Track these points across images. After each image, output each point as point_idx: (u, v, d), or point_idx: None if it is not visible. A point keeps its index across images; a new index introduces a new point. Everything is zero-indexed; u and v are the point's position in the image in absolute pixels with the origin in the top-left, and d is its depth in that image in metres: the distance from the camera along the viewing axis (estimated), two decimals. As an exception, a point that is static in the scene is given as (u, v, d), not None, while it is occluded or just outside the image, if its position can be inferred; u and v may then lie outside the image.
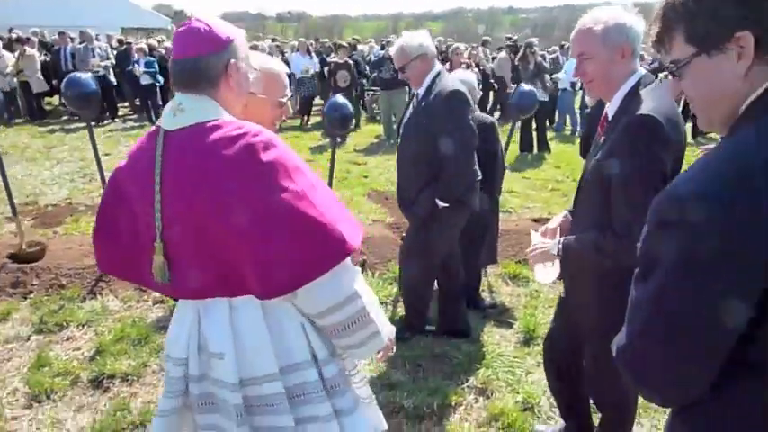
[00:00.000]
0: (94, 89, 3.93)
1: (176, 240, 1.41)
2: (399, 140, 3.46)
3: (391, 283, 4.42)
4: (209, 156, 1.34)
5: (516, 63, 9.85)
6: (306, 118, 11.99)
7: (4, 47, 12.00)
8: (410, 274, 3.61)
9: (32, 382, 3.15)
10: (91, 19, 20.09)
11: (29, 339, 3.65)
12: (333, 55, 11.72)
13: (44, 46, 13.61)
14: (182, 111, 1.42)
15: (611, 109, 1.99)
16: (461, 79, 3.47)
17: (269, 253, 1.32)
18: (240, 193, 1.31)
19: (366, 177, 7.96)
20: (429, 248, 3.46)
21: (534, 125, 9.47)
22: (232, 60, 1.46)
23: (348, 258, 1.41)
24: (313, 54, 12.11)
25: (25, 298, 4.14)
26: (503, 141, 4.17)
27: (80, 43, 12.07)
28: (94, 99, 4.00)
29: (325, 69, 11.49)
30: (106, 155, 9.12)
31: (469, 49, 11.51)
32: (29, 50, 11.62)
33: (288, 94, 1.96)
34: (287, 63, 12.04)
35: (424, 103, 3.19)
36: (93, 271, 4.46)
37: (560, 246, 2.14)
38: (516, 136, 9.19)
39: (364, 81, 11.90)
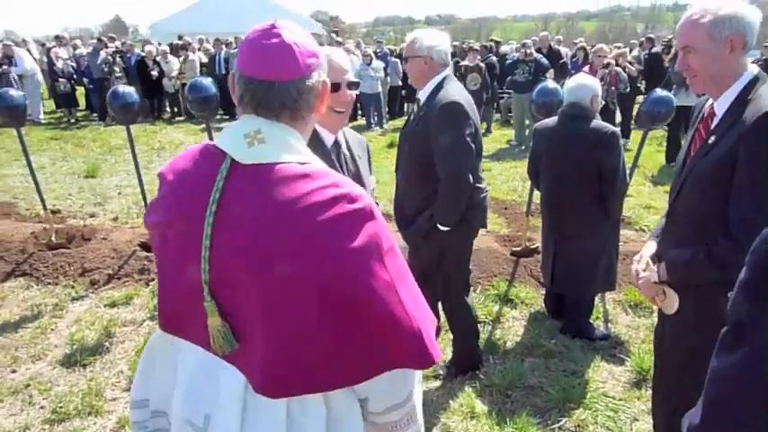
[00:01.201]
0: (214, 93, 4.13)
1: (230, 301, 1.14)
2: (397, 149, 3.19)
3: (495, 302, 4.15)
4: (293, 214, 1.08)
5: (667, 64, 8.93)
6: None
7: (171, 52, 13.31)
8: (447, 315, 3.37)
9: (135, 366, 3.37)
10: (249, 26, 21.62)
11: (142, 324, 3.93)
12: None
13: (206, 52, 14.93)
14: (261, 141, 1.15)
15: (719, 107, 1.83)
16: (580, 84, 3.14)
17: (335, 343, 1.11)
18: (322, 268, 1.08)
19: (488, 185, 7.64)
20: (449, 284, 3.18)
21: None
22: (325, 79, 1.25)
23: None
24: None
25: (147, 285, 4.48)
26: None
27: (234, 49, 13.05)
28: (213, 102, 4.22)
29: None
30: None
31: (613, 50, 10.63)
32: (190, 56, 12.78)
33: (347, 78, 1.99)
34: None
35: (423, 112, 2.91)
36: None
37: (663, 270, 1.97)
38: (645, 145, 8.30)
39: (496, 84, 11.50)
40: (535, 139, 3.74)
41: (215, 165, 1.15)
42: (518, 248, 4.79)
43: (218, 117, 13.36)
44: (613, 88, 8.70)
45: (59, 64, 12.46)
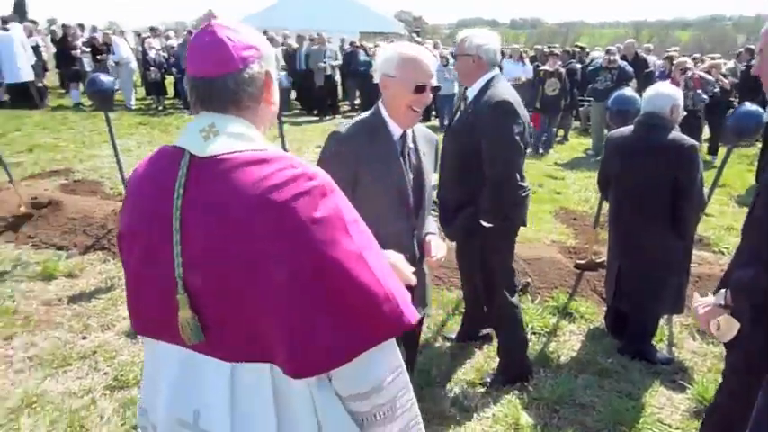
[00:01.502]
0: (285, 87, 4.24)
1: (201, 290, 1.16)
2: (442, 147, 3.11)
3: (553, 314, 4.03)
4: (254, 197, 1.11)
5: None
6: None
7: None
8: (494, 319, 3.32)
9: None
10: (332, 24, 22.14)
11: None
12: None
13: (289, 48, 15.32)
14: (215, 134, 1.18)
15: None
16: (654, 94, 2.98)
17: (308, 322, 1.11)
18: (287, 245, 1.10)
19: (559, 194, 7.44)
20: (492, 285, 3.11)
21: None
22: (270, 70, 1.26)
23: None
24: (526, 61, 11.71)
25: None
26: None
27: (315, 45, 13.33)
28: (283, 96, 4.31)
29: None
30: (318, 147, 9.98)
31: (706, 61, 10.04)
32: (277, 51, 13.17)
33: (432, 83, 2.07)
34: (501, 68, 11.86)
35: (471, 109, 2.92)
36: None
37: (729, 294, 1.88)
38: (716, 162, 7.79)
39: (576, 91, 11.13)
40: (608, 149, 3.58)
41: (175, 162, 1.18)
42: (582, 261, 4.63)
43: (296, 111, 13.73)
44: (699, 92, 8.16)
45: (152, 54, 13.18)
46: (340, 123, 2.23)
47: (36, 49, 13.11)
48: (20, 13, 18.35)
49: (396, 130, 2.14)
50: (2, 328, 3.70)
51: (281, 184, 1.12)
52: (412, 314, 1.20)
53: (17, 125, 10.63)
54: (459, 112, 3.11)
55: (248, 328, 1.15)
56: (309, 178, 1.14)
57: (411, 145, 2.19)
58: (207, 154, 1.16)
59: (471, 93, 2.95)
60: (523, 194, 3.00)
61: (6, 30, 12.39)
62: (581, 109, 12.08)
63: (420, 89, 2.04)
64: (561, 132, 11.33)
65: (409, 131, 2.19)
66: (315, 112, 13.30)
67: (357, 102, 14.11)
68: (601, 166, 3.69)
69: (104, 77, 4.81)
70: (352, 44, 14.26)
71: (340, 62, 13.44)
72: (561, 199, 7.19)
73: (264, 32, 16.12)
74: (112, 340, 3.62)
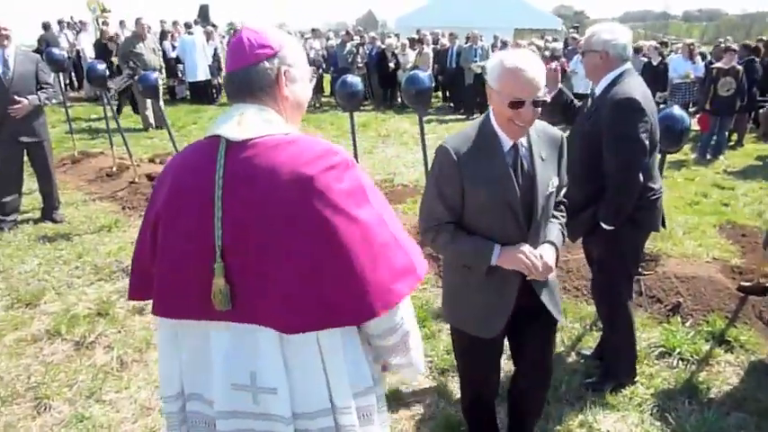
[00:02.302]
0: (428, 86, 4.29)
1: (237, 262, 1.29)
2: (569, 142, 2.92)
3: (706, 340, 3.62)
4: (287, 172, 1.26)
5: None
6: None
7: (410, 46, 14.05)
8: (604, 318, 3.22)
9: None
10: (486, 21, 21.85)
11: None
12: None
13: (442, 46, 15.42)
14: (246, 120, 1.34)
15: None
16: None
17: (349, 278, 1.26)
18: (322, 213, 1.24)
19: (726, 206, 6.66)
20: (609, 285, 3.00)
21: None
22: (283, 68, 1.40)
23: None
24: (697, 58, 10.63)
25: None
26: None
27: (465, 43, 13.28)
28: (426, 95, 4.38)
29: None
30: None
31: None
32: (425, 49, 13.34)
33: (536, 97, 1.92)
34: (665, 66, 10.92)
35: (595, 107, 2.82)
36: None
37: None
38: None
39: (755, 90, 9.88)
40: None
41: (213, 148, 1.33)
42: (748, 283, 4.11)
43: (444, 109, 13.77)
44: None
45: (311, 54, 13.99)
46: (449, 135, 2.17)
47: (215, 51, 14.55)
48: (203, 18, 20.45)
49: (506, 141, 2.04)
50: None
51: (311, 160, 1.28)
52: (423, 266, 1.38)
53: (194, 119, 11.90)
54: (585, 109, 2.99)
55: (283, 288, 1.27)
56: (335, 153, 1.31)
57: (525, 152, 2.07)
58: (242, 137, 1.31)
59: (598, 90, 2.85)
60: (653, 197, 2.86)
61: (191, 33, 13.94)
62: (761, 111, 10.71)
63: (516, 104, 1.90)
64: (734, 137, 10.14)
65: (524, 140, 2.06)
66: (462, 110, 13.27)
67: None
68: None
69: (352, 78, 4.88)
70: (503, 43, 14.00)
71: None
72: (728, 212, 6.43)
73: (417, 31, 16.43)
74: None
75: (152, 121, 10.69)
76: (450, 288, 2.34)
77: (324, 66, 14.48)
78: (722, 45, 10.91)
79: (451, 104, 14.15)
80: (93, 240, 5.35)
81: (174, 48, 14.22)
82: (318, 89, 14.52)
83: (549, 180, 2.10)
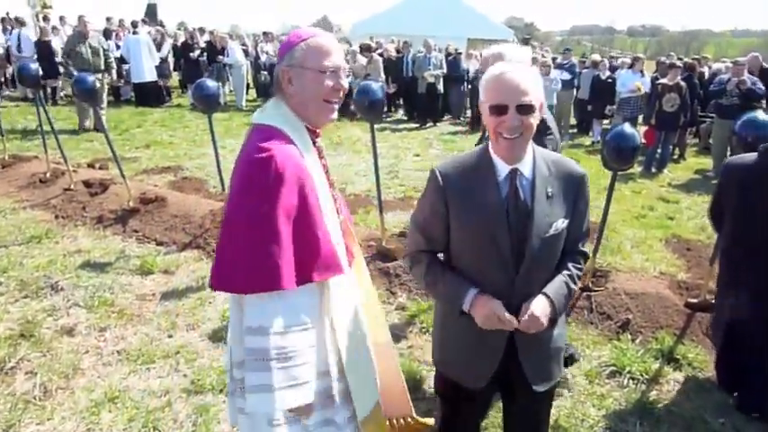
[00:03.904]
0: (380, 98, 4.18)
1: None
2: None
3: (656, 358, 3.62)
4: (245, 154, 1.67)
5: None
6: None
7: (361, 53, 13.94)
8: None
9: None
10: (440, 30, 22.01)
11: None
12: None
13: (398, 53, 15.37)
14: (262, 110, 1.79)
15: None
16: None
17: (220, 253, 1.66)
18: (236, 189, 1.64)
19: (672, 219, 6.81)
20: None
21: None
22: (284, 67, 1.73)
23: (288, 292, 1.61)
24: (646, 72, 10.93)
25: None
26: None
27: (419, 53, 13.27)
28: (378, 106, 4.26)
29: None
30: (417, 155, 9.88)
31: None
32: (375, 57, 13.25)
33: (521, 100, 1.72)
34: (614, 80, 11.18)
35: None
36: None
37: None
38: None
39: (698, 106, 10.24)
40: (725, 177, 3.14)
41: None
42: (695, 300, 4.15)
43: (398, 118, 13.70)
44: None
45: (263, 57, 13.72)
46: (447, 158, 1.99)
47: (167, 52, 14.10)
48: (151, 17, 19.82)
49: (502, 168, 1.82)
50: (98, 319, 3.89)
51: (256, 147, 1.63)
52: (288, 279, 1.59)
53: (139, 122, 11.45)
54: None
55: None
56: (266, 150, 1.60)
57: (525, 183, 1.82)
58: (252, 121, 1.78)
59: None
60: None
61: (136, 33, 13.43)
62: (702, 126, 11.11)
63: (496, 110, 1.73)
64: (677, 151, 10.46)
65: (527, 169, 1.82)
66: (416, 119, 13.25)
67: (468, 113, 13.92)
68: (715, 196, 3.27)
69: (210, 82, 4.97)
70: (456, 51, 14.07)
71: (444, 71, 13.28)
72: (674, 225, 6.57)
73: (371, 38, 16.36)
74: (195, 341, 3.69)
75: (88, 124, 10.16)
76: (438, 321, 2.11)
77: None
78: (666, 62, 11.25)
79: (405, 114, 14.13)
80: (20, 253, 4.98)
81: (118, 47, 13.68)
82: (271, 93, 14.24)
83: (553, 221, 1.83)
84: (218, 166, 5.43)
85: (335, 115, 1.81)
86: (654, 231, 6.23)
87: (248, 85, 15.42)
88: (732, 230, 3.09)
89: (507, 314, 1.78)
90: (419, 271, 1.97)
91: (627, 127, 3.59)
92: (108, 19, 15.74)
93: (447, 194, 1.84)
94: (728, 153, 8.64)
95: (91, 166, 7.84)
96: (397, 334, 3.84)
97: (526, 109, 1.72)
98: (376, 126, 4.81)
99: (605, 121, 12.02)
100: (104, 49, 10.08)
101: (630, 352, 3.64)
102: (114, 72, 10.64)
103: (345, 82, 1.75)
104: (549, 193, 1.83)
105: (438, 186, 1.85)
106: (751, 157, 3.01)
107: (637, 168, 9.37)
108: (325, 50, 1.72)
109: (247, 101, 14.69)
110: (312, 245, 1.67)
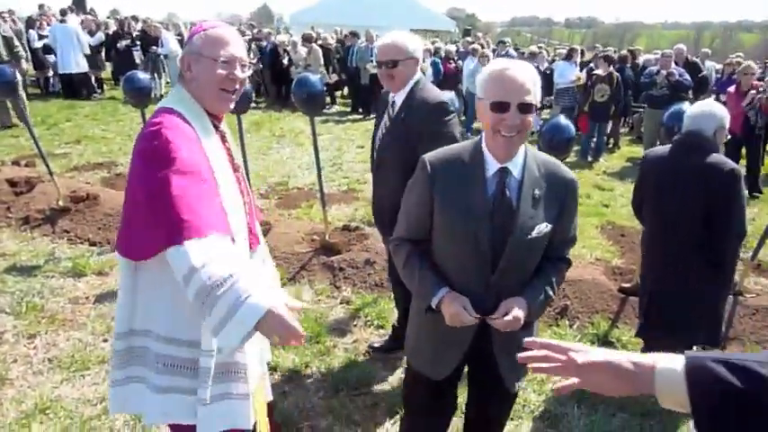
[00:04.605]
0: (320, 90, 4.12)
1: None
2: (376, 159, 3.07)
3: (592, 342, 3.75)
4: (141, 132, 1.73)
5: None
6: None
7: (303, 43, 13.75)
8: None
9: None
10: (382, 20, 21.97)
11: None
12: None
13: (341, 43, 15.23)
14: (165, 95, 1.89)
15: None
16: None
17: (126, 221, 1.71)
18: (134, 163, 1.68)
19: (607, 206, 7.07)
20: None
21: None
22: (185, 54, 1.80)
23: (204, 236, 1.56)
24: (577, 63, 11.27)
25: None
26: None
27: (362, 43, 13.20)
28: (319, 99, 4.21)
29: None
30: (360, 147, 9.83)
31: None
32: (315, 47, 13.10)
33: (524, 99, 1.72)
34: (551, 71, 11.46)
35: (404, 114, 2.88)
36: (300, 258, 4.73)
37: None
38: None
39: (630, 96, 10.65)
40: (643, 168, 3.31)
41: None
42: (628, 285, 4.32)
43: (341, 110, 13.62)
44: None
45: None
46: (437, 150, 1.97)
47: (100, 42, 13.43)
48: (78, 5, 18.87)
49: (492, 164, 1.81)
50: (27, 326, 3.70)
51: (149, 124, 1.70)
52: (191, 228, 1.56)
53: (68, 115, 10.91)
54: (385, 121, 3.06)
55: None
56: (155, 124, 1.67)
57: (513, 183, 1.82)
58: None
59: (399, 98, 2.93)
60: None
61: (64, 22, 12.75)
62: (635, 116, 11.56)
63: (497, 107, 1.71)
64: (611, 141, 10.86)
65: (516, 169, 1.82)
66: (360, 110, 13.21)
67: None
68: (635, 186, 3.43)
69: (141, 74, 4.80)
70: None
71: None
72: (608, 212, 6.83)
73: (312, 28, 16.16)
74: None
75: (7, 119, 9.55)
76: (411, 312, 2.13)
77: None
78: (599, 54, 11.62)
79: (348, 105, 14.06)
80: (-62, 257, 4.67)
81: (40, 37, 12.96)
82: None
83: (537, 223, 1.81)
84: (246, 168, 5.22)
85: (232, 105, 1.87)
86: (590, 219, 6.45)
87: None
88: (650, 218, 3.25)
89: (471, 316, 1.81)
90: (399, 260, 1.98)
91: (562, 118, 3.68)
92: (40, 6, 14.91)
93: (434, 184, 1.84)
94: (658, 143, 9.05)
95: (16, 163, 7.42)
96: (342, 328, 3.83)
97: (527, 108, 1.71)
98: (318, 118, 4.75)
99: (544, 111, 12.33)
100: (6, 38, 9.31)
101: (568, 337, 3.76)
102: (24, 62, 9.83)
103: (241, 73, 1.80)
104: (537, 195, 1.82)
105: (426, 176, 1.85)
106: (665, 148, 3.18)
107: (573, 158, 9.67)
108: (222, 41, 1.78)
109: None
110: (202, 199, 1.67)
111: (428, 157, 1.90)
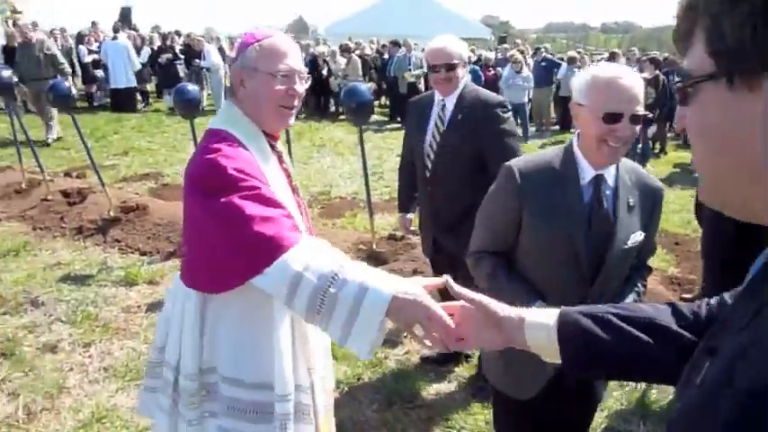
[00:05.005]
0: (369, 99, 4.10)
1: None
2: (432, 164, 3.00)
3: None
4: (195, 157, 1.62)
5: None
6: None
7: (341, 53, 13.86)
8: None
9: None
10: (418, 29, 21.98)
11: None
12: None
13: (379, 53, 15.31)
14: (218, 113, 1.75)
15: None
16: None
17: (203, 250, 1.60)
18: (191, 192, 1.56)
19: (657, 214, 6.83)
20: None
21: None
22: (237, 68, 1.65)
23: (293, 246, 1.42)
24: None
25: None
26: None
27: (400, 53, 13.22)
28: (368, 107, 4.18)
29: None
30: (399, 155, 9.81)
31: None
32: (354, 57, 13.18)
33: (634, 110, 1.63)
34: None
35: (461, 116, 2.87)
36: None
37: None
38: None
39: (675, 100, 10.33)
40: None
41: None
42: (690, 295, 4.14)
43: (380, 119, 13.67)
44: None
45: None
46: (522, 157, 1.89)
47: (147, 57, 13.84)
48: (124, 20, 19.45)
49: (587, 171, 1.73)
50: (82, 334, 3.75)
51: (203, 150, 1.58)
52: (283, 239, 1.45)
53: (116, 128, 11.20)
54: (436, 123, 3.03)
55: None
56: (213, 150, 1.53)
57: (608, 192, 1.76)
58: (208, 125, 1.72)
59: (450, 101, 2.94)
60: None
61: (116, 38, 13.15)
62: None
63: (612, 118, 1.61)
64: (658, 146, 10.56)
65: (611, 176, 1.76)
66: (398, 119, 13.20)
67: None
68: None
69: (191, 86, 4.87)
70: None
71: (424, 70, 13.23)
72: (660, 220, 6.59)
73: (349, 39, 16.28)
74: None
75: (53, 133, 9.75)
76: None
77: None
78: (644, 58, 11.35)
79: (388, 114, 14.09)
80: (-3, 267, 4.80)
81: (89, 52, 13.38)
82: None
83: (633, 232, 1.76)
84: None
85: (292, 120, 1.73)
86: (641, 226, 6.23)
87: (227, 88, 15.19)
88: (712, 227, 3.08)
89: None
90: (482, 272, 1.87)
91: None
92: (93, 23, 15.45)
93: (524, 194, 1.75)
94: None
95: (68, 174, 7.64)
96: (393, 339, 3.77)
97: (638, 119, 1.64)
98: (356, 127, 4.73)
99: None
100: (49, 55, 9.45)
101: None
102: (70, 78, 9.99)
103: (301, 86, 1.67)
104: (631, 204, 1.77)
105: (515, 185, 1.76)
106: None
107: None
108: (279, 52, 1.63)
109: (226, 104, 14.48)
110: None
111: (514, 164, 1.80)
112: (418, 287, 1.30)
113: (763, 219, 0.63)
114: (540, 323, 1.10)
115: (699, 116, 0.64)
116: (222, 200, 1.45)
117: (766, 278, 0.66)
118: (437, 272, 3.36)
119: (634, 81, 1.63)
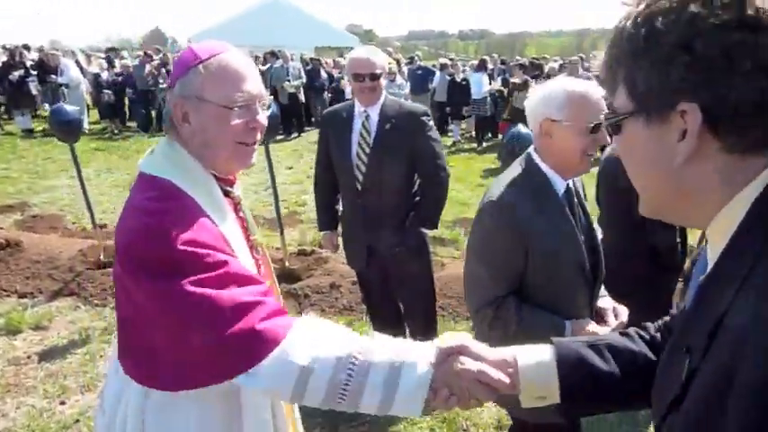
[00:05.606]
0: (275, 114, 3.99)
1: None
2: (365, 173, 2.96)
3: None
4: (128, 216, 1.28)
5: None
6: (480, 140, 11.73)
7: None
8: None
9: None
10: (288, 39, 21.82)
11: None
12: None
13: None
14: (151, 152, 1.38)
15: None
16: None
17: (152, 343, 1.26)
18: (130, 267, 1.24)
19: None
20: None
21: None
22: (177, 98, 1.30)
23: (287, 334, 1.17)
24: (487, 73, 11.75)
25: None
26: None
27: (276, 63, 13.00)
28: (274, 123, 4.06)
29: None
30: (289, 168, 9.64)
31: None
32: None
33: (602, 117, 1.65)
34: (467, 82, 11.80)
35: (388, 126, 2.89)
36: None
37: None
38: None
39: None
40: None
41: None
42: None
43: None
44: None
45: (104, 75, 12.57)
46: (493, 188, 1.82)
47: None
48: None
49: (560, 183, 1.77)
50: (-35, 397, 3.25)
51: (137, 212, 1.26)
52: (272, 341, 1.19)
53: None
54: (359, 132, 3.05)
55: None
56: (152, 212, 1.22)
57: (576, 199, 1.84)
58: (138, 167, 1.36)
59: (374, 110, 2.93)
60: None
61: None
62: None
63: (597, 129, 1.67)
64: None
65: (579, 186, 1.84)
66: (280, 131, 12.97)
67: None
68: None
69: (69, 107, 4.42)
70: (312, 60, 14.02)
71: (303, 80, 13.15)
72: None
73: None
74: (95, 404, 3.22)
75: None
76: None
77: (118, 88, 13.02)
78: (515, 63, 12.17)
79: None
80: None
81: None
82: (117, 114, 13.10)
83: (598, 229, 1.85)
84: (88, 202, 4.83)
85: (254, 159, 1.38)
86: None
87: (88, 106, 14.01)
88: None
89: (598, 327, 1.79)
90: (508, 320, 1.77)
91: (522, 128, 3.77)
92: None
93: (523, 224, 1.72)
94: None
95: None
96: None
97: (617, 129, 1.70)
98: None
99: (462, 122, 12.67)
100: None
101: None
102: None
103: (263, 117, 1.34)
104: (585, 203, 1.88)
105: (514, 218, 1.72)
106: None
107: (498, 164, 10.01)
108: (233, 76, 1.28)
109: (90, 123, 13.36)
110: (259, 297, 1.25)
111: (502, 198, 1.75)
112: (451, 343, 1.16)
113: (699, 225, 0.77)
114: (535, 361, 1.07)
115: (626, 144, 0.80)
116: (181, 284, 1.13)
117: (719, 282, 0.71)
118: (367, 283, 3.33)
119: (599, 91, 1.70)
